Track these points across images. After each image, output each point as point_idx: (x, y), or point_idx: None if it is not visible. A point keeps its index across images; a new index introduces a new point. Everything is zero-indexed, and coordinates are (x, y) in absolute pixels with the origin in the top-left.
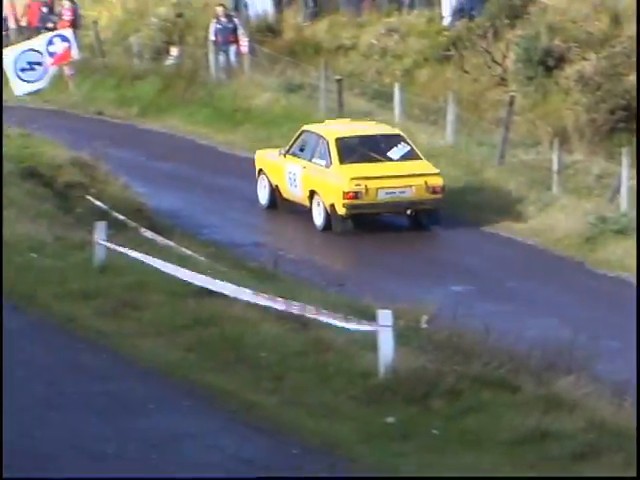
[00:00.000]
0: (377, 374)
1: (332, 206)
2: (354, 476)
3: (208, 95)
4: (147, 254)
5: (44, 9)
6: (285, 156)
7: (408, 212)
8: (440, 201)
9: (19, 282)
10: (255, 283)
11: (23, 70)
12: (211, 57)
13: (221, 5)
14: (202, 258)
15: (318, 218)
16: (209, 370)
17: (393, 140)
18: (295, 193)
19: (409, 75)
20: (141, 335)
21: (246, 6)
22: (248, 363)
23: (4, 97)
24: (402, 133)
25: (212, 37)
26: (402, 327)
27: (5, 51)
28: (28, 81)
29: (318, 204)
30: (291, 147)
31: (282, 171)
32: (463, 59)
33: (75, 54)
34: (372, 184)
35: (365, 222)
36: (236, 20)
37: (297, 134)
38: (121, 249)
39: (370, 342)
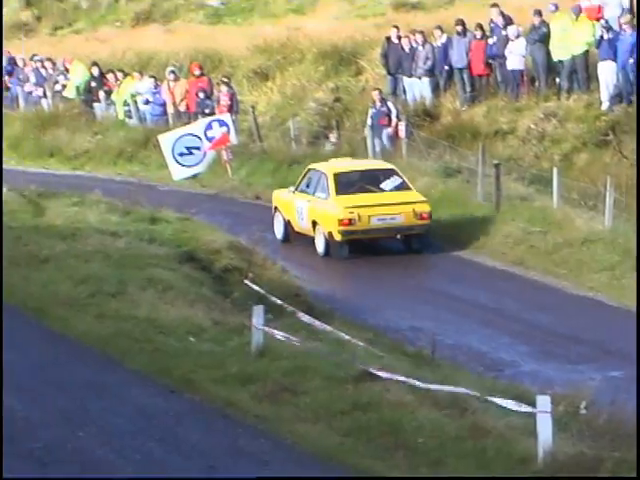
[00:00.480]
0: (536, 460)
1: (330, 233)
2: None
3: None
4: (305, 339)
5: (202, 94)
6: (294, 193)
7: (398, 236)
8: (428, 226)
9: (177, 366)
10: (412, 368)
11: (181, 155)
12: (368, 141)
13: (377, 89)
14: (360, 343)
15: (319, 245)
16: (367, 455)
17: (386, 174)
18: (302, 225)
19: (567, 160)
20: (299, 420)
21: (404, 90)
22: (406, 448)
23: (163, 181)
24: (395, 167)
25: (369, 121)
26: (560, 412)
27: (164, 136)
28: (186, 165)
29: (319, 233)
30: (299, 184)
31: (293, 206)
32: (622, 144)
33: (233, 139)
34: (364, 212)
35: (360, 247)
36: (390, 104)
37: (304, 172)
38: (279, 333)
39: (528, 427)
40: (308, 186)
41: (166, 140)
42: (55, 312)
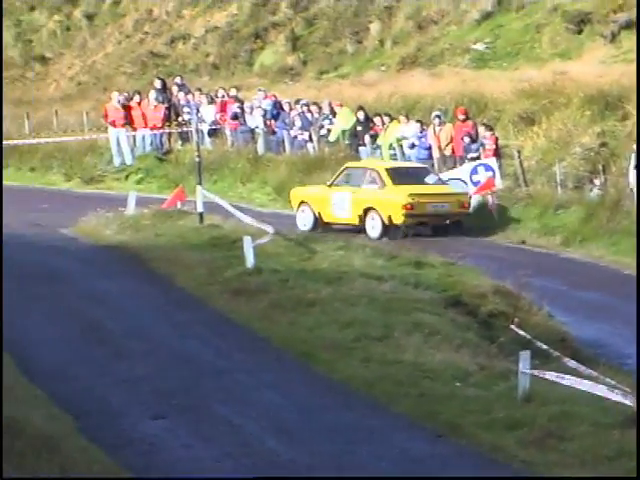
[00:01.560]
0: None
1: (389, 217)
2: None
3: (632, 225)
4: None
5: (467, 139)
6: (330, 187)
7: (447, 221)
8: (465, 214)
9: (443, 410)
10: None
11: None
12: (631, 184)
13: None
14: (627, 389)
15: (374, 230)
16: None
17: (422, 171)
18: (340, 215)
19: None
20: (564, 466)
21: None
22: None
23: None
24: (427, 166)
25: (631, 165)
26: None
27: None
28: None
29: (374, 219)
30: (334, 180)
31: (327, 199)
32: None
33: (498, 183)
34: (422, 199)
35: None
36: None
37: (340, 171)
38: (548, 375)
39: None
40: (347, 181)
41: None
42: (321, 356)
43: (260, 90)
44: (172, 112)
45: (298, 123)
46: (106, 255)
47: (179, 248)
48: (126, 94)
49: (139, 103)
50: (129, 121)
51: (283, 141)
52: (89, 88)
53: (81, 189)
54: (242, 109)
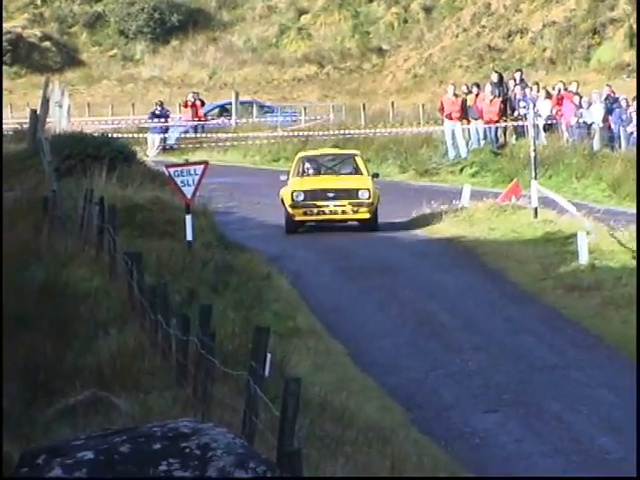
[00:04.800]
0: None
1: None
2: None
3: None
4: None
5: None
6: None
7: None
8: None
9: None
10: None
11: None
12: None
13: None
14: None
15: None
16: None
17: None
18: None
19: None
20: None
21: None
22: None
23: None
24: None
25: None
26: None
27: None
28: None
29: None
30: None
31: None
32: None
33: None
34: None
35: None
36: None
37: None
38: None
39: None
40: None
41: None
42: None
43: (607, 85)
44: (508, 106)
45: (635, 119)
46: (439, 248)
47: (513, 242)
48: (463, 87)
49: (476, 96)
50: (465, 114)
51: (619, 137)
52: (425, 80)
53: (415, 181)
54: (580, 104)
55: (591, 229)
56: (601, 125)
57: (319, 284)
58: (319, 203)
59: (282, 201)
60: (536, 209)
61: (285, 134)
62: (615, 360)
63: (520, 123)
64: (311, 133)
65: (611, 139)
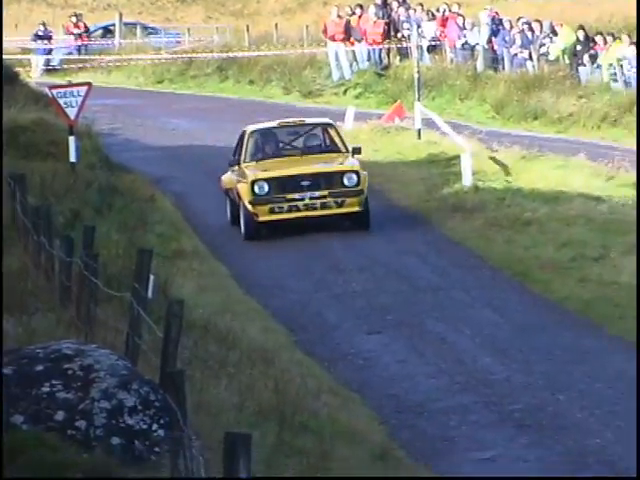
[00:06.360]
0: None
1: None
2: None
3: None
4: None
5: None
6: None
7: None
8: None
9: None
10: None
11: None
12: None
13: None
14: None
15: None
16: None
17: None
18: None
19: None
20: None
21: None
22: None
23: None
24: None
25: None
26: None
27: None
28: None
29: None
30: None
31: None
32: None
33: None
34: None
35: None
36: None
37: None
38: None
39: None
40: None
41: None
42: (536, 275)
43: (485, 9)
44: (392, 27)
45: (518, 41)
46: None
47: (396, 164)
48: (347, 9)
49: (359, 17)
50: (348, 36)
51: (503, 59)
52: (310, 2)
53: (300, 103)
54: (464, 26)
55: (472, 151)
56: (485, 47)
57: (203, 206)
58: (290, 196)
59: (234, 194)
60: (419, 130)
61: (169, 56)
62: (498, 280)
63: (404, 45)
64: (195, 55)
65: (495, 61)
